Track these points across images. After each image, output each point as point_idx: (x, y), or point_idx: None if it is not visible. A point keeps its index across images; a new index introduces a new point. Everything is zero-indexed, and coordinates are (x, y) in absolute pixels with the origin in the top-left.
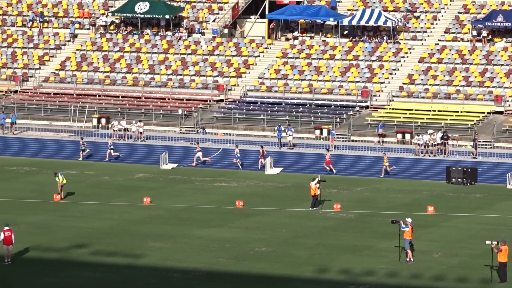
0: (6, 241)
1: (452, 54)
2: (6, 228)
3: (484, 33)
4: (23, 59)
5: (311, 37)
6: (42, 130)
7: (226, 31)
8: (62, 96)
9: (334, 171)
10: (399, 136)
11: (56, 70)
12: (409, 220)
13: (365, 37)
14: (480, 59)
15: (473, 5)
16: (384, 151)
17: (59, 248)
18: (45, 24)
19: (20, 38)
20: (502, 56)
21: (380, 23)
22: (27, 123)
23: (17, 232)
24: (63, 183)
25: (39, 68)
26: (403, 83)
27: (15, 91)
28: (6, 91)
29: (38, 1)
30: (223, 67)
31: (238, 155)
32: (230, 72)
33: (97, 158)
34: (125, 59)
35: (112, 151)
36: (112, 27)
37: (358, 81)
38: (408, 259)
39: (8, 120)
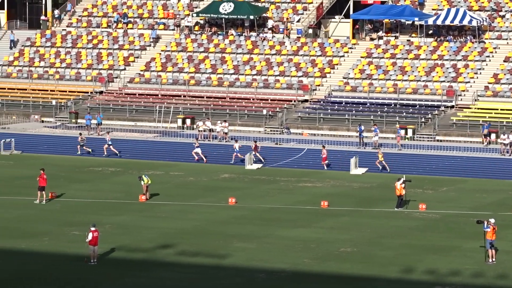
0: (92, 241)
1: None
2: (93, 228)
3: None
4: (108, 60)
5: (396, 37)
6: (127, 131)
7: (310, 31)
8: (147, 97)
9: (326, 168)
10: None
11: (141, 71)
12: (492, 220)
13: (450, 36)
14: None
15: None
16: (379, 147)
17: (144, 248)
18: (130, 25)
19: (105, 39)
20: None
21: (465, 22)
22: (113, 124)
23: (103, 233)
24: (148, 183)
25: (124, 69)
26: (489, 83)
27: (101, 92)
28: (91, 92)
29: (123, 2)
30: (307, 67)
31: (237, 149)
32: (315, 72)
33: (182, 159)
34: (210, 60)
35: (111, 146)
36: (196, 28)
37: (443, 81)
38: (489, 260)
39: (94, 121)
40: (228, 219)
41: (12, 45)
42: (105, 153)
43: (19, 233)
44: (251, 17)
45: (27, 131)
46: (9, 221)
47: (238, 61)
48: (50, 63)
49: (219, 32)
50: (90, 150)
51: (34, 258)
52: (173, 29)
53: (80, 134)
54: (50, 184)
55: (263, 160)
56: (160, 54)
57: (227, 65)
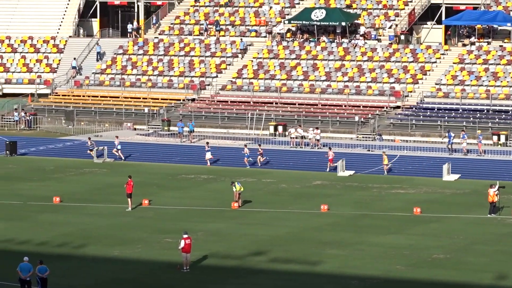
0: (185, 249)
1: None
2: (185, 236)
3: None
4: (200, 68)
5: (488, 43)
6: (220, 138)
7: (402, 37)
8: (239, 104)
9: (328, 169)
10: None
11: (233, 78)
12: None
13: None
14: None
15: None
16: (383, 150)
17: (237, 255)
18: (222, 33)
19: (197, 46)
20: None
21: None
22: (205, 131)
23: (195, 240)
24: (240, 191)
25: (216, 76)
26: None
27: (193, 100)
28: (183, 100)
29: (215, 10)
30: (399, 74)
31: (248, 154)
32: (407, 79)
33: (275, 166)
34: (302, 67)
35: (119, 151)
36: (288, 35)
37: None
38: None
39: (186, 129)
40: (320, 226)
41: (99, 57)
42: (121, 157)
43: (112, 240)
44: (343, 23)
45: (119, 139)
46: (103, 228)
47: (330, 67)
48: (142, 70)
49: (311, 39)
50: (96, 150)
51: (128, 265)
52: (265, 36)
53: (89, 138)
54: (143, 192)
55: (259, 164)
56: (252, 61)
57: (319, 71)
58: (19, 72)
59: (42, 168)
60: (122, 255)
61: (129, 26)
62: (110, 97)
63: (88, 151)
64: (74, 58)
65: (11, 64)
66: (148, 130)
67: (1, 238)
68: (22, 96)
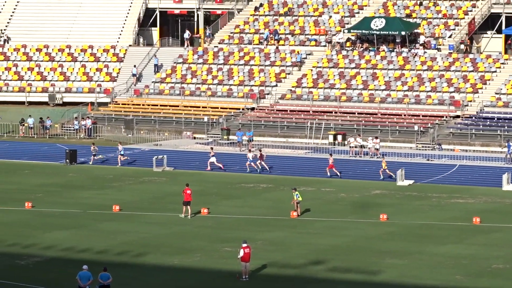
0: (244, 258)
1: None
2: (245, 245)
3: None
4: (259, 77)
5: None
6: (279, 147)
7: (462, 46)
8: (298, 113)
9: (338, 174)
10: None
11: (292, 87)
12: None
13: None
14: None
15: None
16: (383, 155)
17: (296, 264)
18: (282, 42)
19: (257, 56)
20: None
21: None
22: (264, 140)
23: (254, 249)
24: (299, 200)
25: (276, 86)
26: None
27: (252, 109)
28: (243, 109)
29: (275, 19)
30: (459, 83)
31: (251, 158)
32: (467, 88)
33: (334, 175)
34: (361, 76)
35: (121, 156)
36: (348, 44)
37: None
38: None
39: (245, 138)
40: (380, 235)
41: (156, 70)
42: (120, 164)
43: (172, 249)
44: (403, 33)
45: (179, 148)
46: (162, 237)
47: (389, 77)
48: (202, 79)
49: (370, 48)
50: (103, 157)
51: (187, 274)
52: (325, 46)
53: (93, 143)
54: (202, 200)
55: (268, 169)
56: (311, 70)
57: (379, 81)
58: (79, 81)
59: (101, 177)
60: (181, 264)
61: (185, 35)
62: (170, 106)
63: (92, 157)
64: (134, 66)
65: (71, 73)
66: (208, 139)
67: (62, 246)
68: (82, 105)
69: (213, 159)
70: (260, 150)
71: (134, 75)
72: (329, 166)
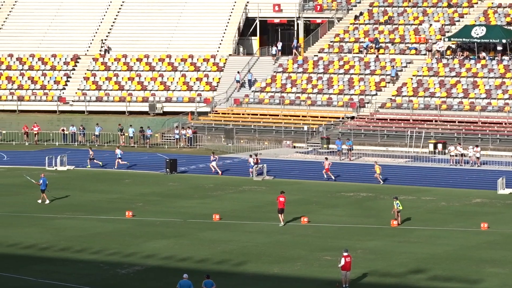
0: (345, 266)
1: None
2: (346, 253)
3: None
4: (359, 86)
5: None
6: (379, 156)
7: None
8: (398, 122)
9: (333, 177)
10: None
11: (392, 96)
12: None
13: None
14: None
15: None
16: (375, 160)
17: (396, 273)
18: (382, 50)
19: (357, 64)
20: None
21: None
22: (364, 149)
23: (354, 258)
24: (399, 209)
25: (376, 94)
26: None
27: (352, 117)
28: (343, 118)
29: (375, 28)
30: None
31: (251, 164)
32: None
33: (434, 184)
34: (462, 84)
35: (120, 160)
36: (448, 52)
37: None
38: None
39: (344, 147)
40: (480, 244)
41: (250, 85)
42: (116, 167)
43: (272, 258)
44: (504, 40)
45: (279, 157)
46: (262, 246)
47: (490, 85)
48: (302, 88)
49: (471, 57)
50: (100, 163)
51: (287, 283)
52: (425, 54)
53: (90, 148)
54: (303, 209)
55: (263, 171)
56: (411, 79)
57: (479, 89)
58: (179, 90)
59: (201, 186)
60: (281, 272)
61: (279, 45)
62: (270, 115)
63: (89, 160)
64: (238, 72)
65: (171, 82)
66: (307, 148)
67: (162, 255)
68: (182, 114)
69: (214, 163)
70: (256, 155)
71: (237, 81)
72: (325, 169)
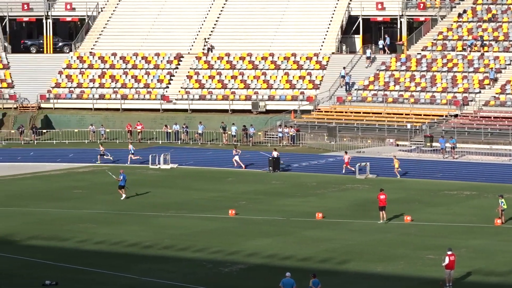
0: (449, 265)
1: None
2: (450, 252)
3: None
4: (463, 83)
5: None
6: (482, 154)
7: None
8: (502, 120)
9: (353, 169)
10: None
11: (496, 93)
12: None
13: None
14: None
15: None
16: (394, 154)
17: (500, 272)
18: (485, 48)
19: (460, 62)
20: None
21: None
22: (467, 147)
23: (458, 257)
24: (504, 208)
25: (479, 92)
26: None
27: (455, 115)
28: (446, 116)
29: (478, 25)
30: None
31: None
32: None
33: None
34: None
35: (132, 155)
36: None
37: None
38: None
39: (448, 145)
40: None
41: (347, 88)
42: (128, 162)
43: (375, 256)
44: None
45: (382, 155)
46: (365, 244)
47: None
48: (405, 86)
49: None
50: (111, 158)
51: (390, 281)
52: None
53: (101, 144)
54: (406, 208)
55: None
56: None
57: None
58: (282, 88)
59: (304, 184)
60: (384, 271)
61: (380, 42)
62: (372, 113)
63: (99, 156)
64: (344, 68)
65: (274, 80)
66: (411, 146)
67: (265, 253)
68: (285, 112)
69: (236, 158)
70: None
71: (343, 76)
72: (345, 163)
